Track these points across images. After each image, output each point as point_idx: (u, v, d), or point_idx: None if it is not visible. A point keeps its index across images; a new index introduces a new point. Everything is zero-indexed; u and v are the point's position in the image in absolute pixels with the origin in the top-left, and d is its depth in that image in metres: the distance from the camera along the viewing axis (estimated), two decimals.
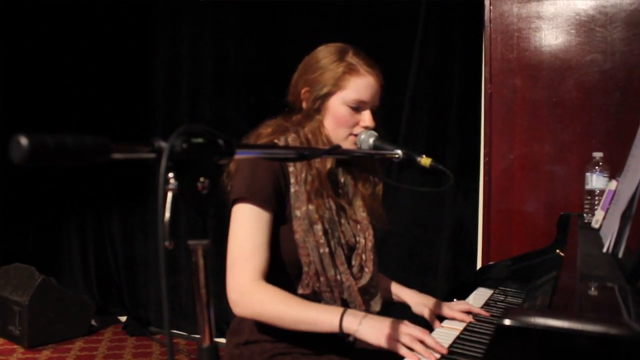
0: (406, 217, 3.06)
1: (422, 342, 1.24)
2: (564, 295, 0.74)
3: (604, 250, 1.09)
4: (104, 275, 4.29)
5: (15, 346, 3.57)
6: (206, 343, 0.70)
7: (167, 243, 0.64)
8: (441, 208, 2.99)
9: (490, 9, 2.68)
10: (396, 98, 3.05)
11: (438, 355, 1.22)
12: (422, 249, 3.06)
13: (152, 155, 0.65)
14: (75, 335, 3.75)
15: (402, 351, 1.23)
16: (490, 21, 2.68)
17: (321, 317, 1.34)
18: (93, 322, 3.95)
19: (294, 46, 3.41)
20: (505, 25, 2.66)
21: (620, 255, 0.99)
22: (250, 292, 1.38)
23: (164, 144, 0.64)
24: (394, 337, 1.25)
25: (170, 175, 0.67)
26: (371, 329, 1.28)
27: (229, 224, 1.44)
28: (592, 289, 0.78)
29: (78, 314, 3.80)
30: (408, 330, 1.26)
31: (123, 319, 4.16)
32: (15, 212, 4.26)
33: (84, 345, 3.66)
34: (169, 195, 0.67)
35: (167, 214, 0.65)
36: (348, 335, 1.32)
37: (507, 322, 0.64)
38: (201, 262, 0.70)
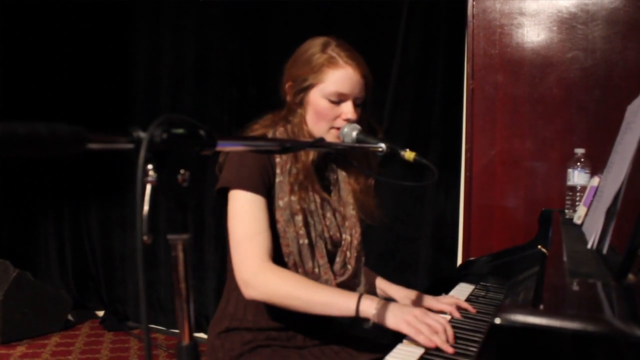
0: (387, 213, 3.05)
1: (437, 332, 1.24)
2: (553, 292, 0.74)
3: (589, 246, 1.09)
4: (81, 270, 4.22)
5: None
6: (186, 341, 0.68)
7: (145, 237, 0.62)
8: (422, 204, 2.99)
9: (473, 4, 2.67)
10: (379, 94, 3.03)
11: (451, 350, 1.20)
12: (403, 244, 3.06)
13: (130, 146, 0.62)
14: (51, 331, 3.69)
15: (420, 338, 1.22)
16: (472, 17, 2.68)
17: (337, 300, 1.33)
18: (70, 317, 3.89)
19: (277, 40, 3.40)
20: (487, 21, 2.66)
21: (605, 251, 0.99)
22: (263, 272, 1.36)
23: (143, 134, 0.62)
24: (413, 324, 1.25)
25: (150, 167, 0.64)
26: (390, 314, 1.28)
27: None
28: (580, 285, 0.77)
29: (54, 309, 3.74)
30: (428, 321, 1.26)
31: (100, 313, 4.11)
32: None
33: (60, 340, 3.60)
34: (148, 187, 0.64)
35: (146, 207, 0.63)
36: (366, 320, 1.30)
37: (498, 321, 0.63)
38: (181, 256, 0.67)
